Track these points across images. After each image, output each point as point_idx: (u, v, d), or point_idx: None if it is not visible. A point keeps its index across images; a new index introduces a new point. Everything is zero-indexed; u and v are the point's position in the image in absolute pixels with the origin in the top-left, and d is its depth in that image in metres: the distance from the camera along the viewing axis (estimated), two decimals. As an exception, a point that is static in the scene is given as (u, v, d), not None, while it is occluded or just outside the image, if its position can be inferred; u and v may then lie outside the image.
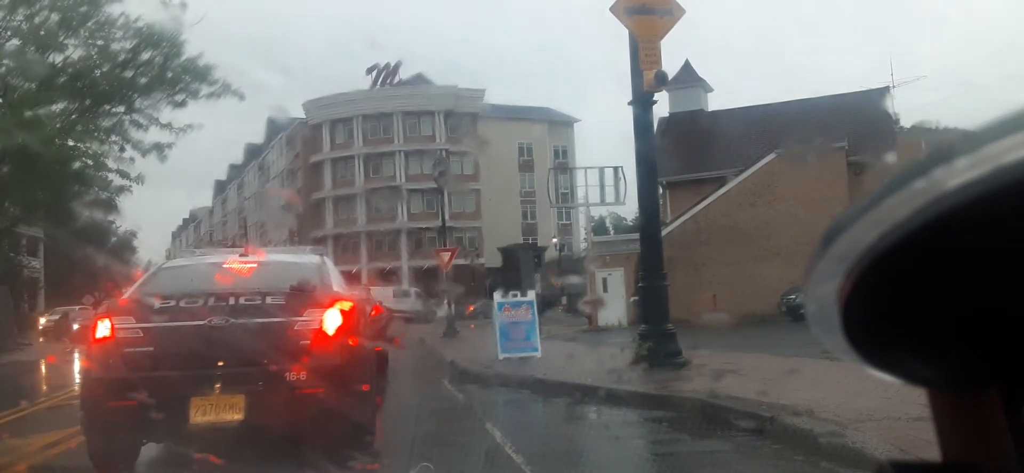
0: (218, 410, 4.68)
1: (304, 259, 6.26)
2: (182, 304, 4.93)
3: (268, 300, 4.95)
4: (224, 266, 5.78)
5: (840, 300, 0.52)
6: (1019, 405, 0.52)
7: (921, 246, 0.47)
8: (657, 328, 9.45)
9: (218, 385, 4.67)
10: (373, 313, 7.31)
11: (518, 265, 48.36)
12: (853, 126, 27.56)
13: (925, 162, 0.45)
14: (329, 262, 6.32)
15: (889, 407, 5.28)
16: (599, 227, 40.45)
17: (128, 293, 5.42)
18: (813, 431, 5.27)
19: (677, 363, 9.25)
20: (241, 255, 6.05)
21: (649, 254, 9.75)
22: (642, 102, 9.65)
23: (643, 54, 9.34)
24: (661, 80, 9.23)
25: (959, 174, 0.43)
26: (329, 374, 4.76)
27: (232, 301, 4.90)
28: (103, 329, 4.85)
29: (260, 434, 4.73)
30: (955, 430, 0.57)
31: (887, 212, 0.47)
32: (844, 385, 6.27)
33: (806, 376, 7.97)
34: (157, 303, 4.94)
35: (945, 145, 0.44)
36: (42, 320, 33.14)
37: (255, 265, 5.71)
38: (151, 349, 4.77)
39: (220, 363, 4.71)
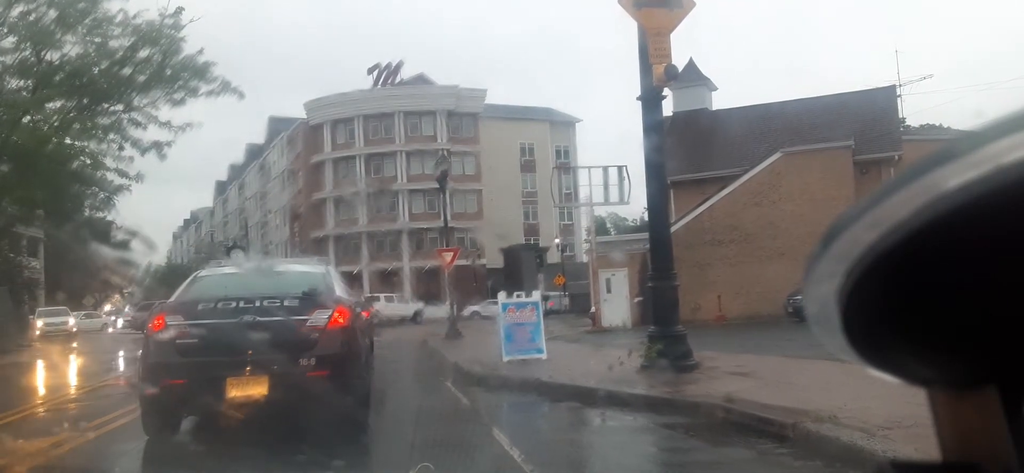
0: (248, 387, 5.84)
1: (313, 268, 7.56)
2: (218, 305, 6.15)
3: (285, 302, 6.18)
4: (250, 274, 7.18)
5: (840, 300, 0.52)
6: (1018, 404, 0.52)
7: (921, 246, 0.47)
8: (667, 329, 9.19)
9: (248, 368, 5.83)
10: (364, 315, 8.76)
11: (520, 266, 48.15)
12: (859, 125, 27.29)
13: (925, 162, 0.45)
14: (333, 270, 7.69)
15: (917, 412, 5.01)
16: (599, 228, 40.17)
17: (174, 297, 6.66)
18: (839, 438, 5.01)
19: (688, 365, 9.00)
20: (263, 265, 7.76)
21: (658, 254, 9.49)
22: (651, 98, 9.39)
23: (652, 48, 9.07)
24: (671, 74, 8.97)
25: (959, 174, 0.43)
26: (333, 360, 6.01)
27: (257, 303, 6.12)
28: (158, 325, 6.12)
29: (281, 412, 5.87)
30: (955, 429, 0.58)
31: (887, 212, 0.47)
32: (865, 388, 5.99)
33: (823, 378, 7.72)
34: (199, 304, 6.22)
35: (945, 145, 0.45)
36: (40, 323, 31.55)
37: (274, 274, 7.18)
38: (196, 340, 5.95)
39: (249, 351, 5.82)
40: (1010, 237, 0.45)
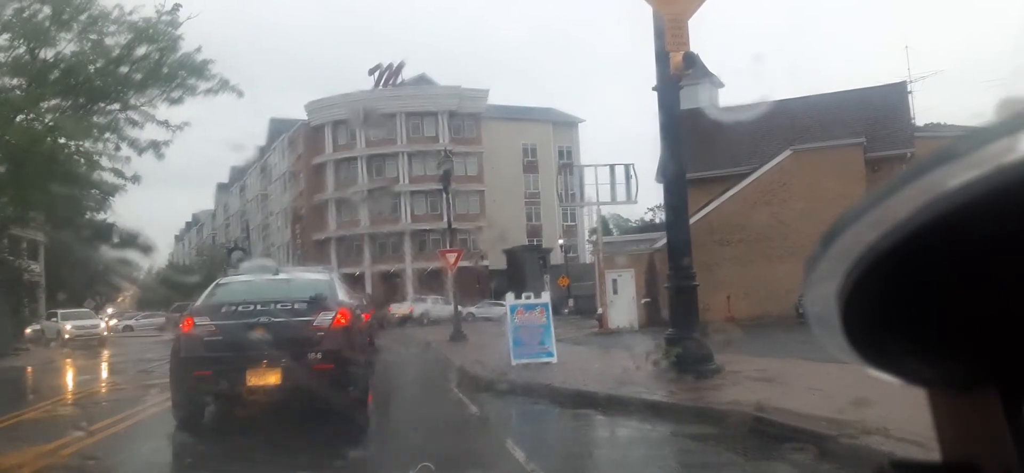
0: (264, 377, 6.77)
1: (318, 276, 8.64)
2: (238, 308, 7.08)
3: (295, 305, 7.12)
4: (264, 281, 8.03)
5: (840, 300, 0.53)
6: (1018, 403, 0.53)
7: (921, 246, 0.47)
8: (686, 332, 8.73)
9: (265, 361, 6.73)
10: (365, 317, 9.74)
11: (523, 267, 47.67)
12: (870, 122, 26.80)
13: (926, 162, 0.46)
14: (336, 277, 8.85)
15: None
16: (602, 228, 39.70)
17: (199, 301, 7.59)
18: (894, 454, 4.53)
19: (709, 369, 8.54)
20: (274, 274, 8.54)
21: (677, 253, 9.02)
22: (668, 88, 8.93)
23: (669, 35, 8.61)
24: (690, 63, 8.50)
25: (960, 174, 0.44)
26: (336, 355, 6.91)
27: (271, 306, 7.06)
28: (188, 325, 7.10)
29: (294, 399, 6.78)
30: (955, 429, 0.58)
31: (887, 212, 0.47)
32: (907, 396, 5.51)
33: (857, 384, 7.22)
34: (222, 308, 7.14)
35: (946, 145, 0.45)
36: (68, 326, 28.18)
37: (285, 280, 8.06)
38: (220, 337, 6.87)
39: (265, 347, 6.70)
40: (1010, 237, 0.45)
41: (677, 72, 8.56)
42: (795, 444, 5.26)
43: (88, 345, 26.03)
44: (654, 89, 9.06)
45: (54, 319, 29.80)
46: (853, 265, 0.50)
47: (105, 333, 29.40)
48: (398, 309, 41.75)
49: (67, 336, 27.25)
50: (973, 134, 0.43)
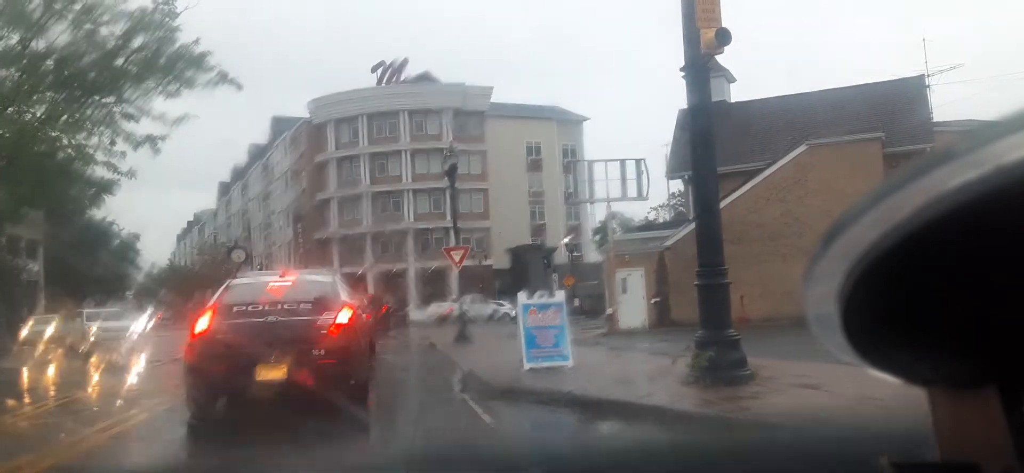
0: (273, 371, 7.14)
1: (323, 278, 9.07)
2: (249, 308, 7.57)
3: (301, 305, 7.65)
4: (272, 283, 8.47)
5: (840, 300, 0.53)
6: (1018, 403, 0.53)
7: (921, 246, 0.47)
8: (718, 334, 8.01)
9: (273, 357, 7.15)
10: (367, 317, 9.93)
11: (527, 266, 46.98)
12: (888, 117, 26.08)
13: (925, 162, 0.46)
14: (339, 279, 9.24)
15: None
16: (605, 228, 39.04)
17: (212, 301, 7.96)
18: None
19: (742, 376, 7.84)
20: (281, 276, 8.85)
21: (707, 247, 8.31)
22: (698, 70, 8.23)
23: (700, 11, 7.91)
24: (723, 40, 7.80)
25: (959, 174, 0.44)
26: (339, 351, 7.37)
27: (279, 306, 7.58)
28: (202, 323, 7.48)
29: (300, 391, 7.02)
30: (954, 428, 0.58)
31: (888, 212, 0.48)
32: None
33: (913, 394, 6.51)
34: (234, 307, 7.65)
35: (945, 145, 0.45)
36: (94, 328, 25.72)
37: (291, 282, 8.40)
38: (232, 335, 7.26)
39: (273, 344, 7.17)
40: (1010, 237, 0.45)
41: (709, 49, 7.87)
42: (866, 465, 4.55)
43: (115, 349, 23.02)
44: (681, 70, 8.37)
45: (79, 319, 27.21)
46: (853, 265, 0.50)
47: (135, 336, 26.17)
48: (438, 309, 41.87)
49: (92, 338, 24.49)
50: (973, 133, 0.43)
